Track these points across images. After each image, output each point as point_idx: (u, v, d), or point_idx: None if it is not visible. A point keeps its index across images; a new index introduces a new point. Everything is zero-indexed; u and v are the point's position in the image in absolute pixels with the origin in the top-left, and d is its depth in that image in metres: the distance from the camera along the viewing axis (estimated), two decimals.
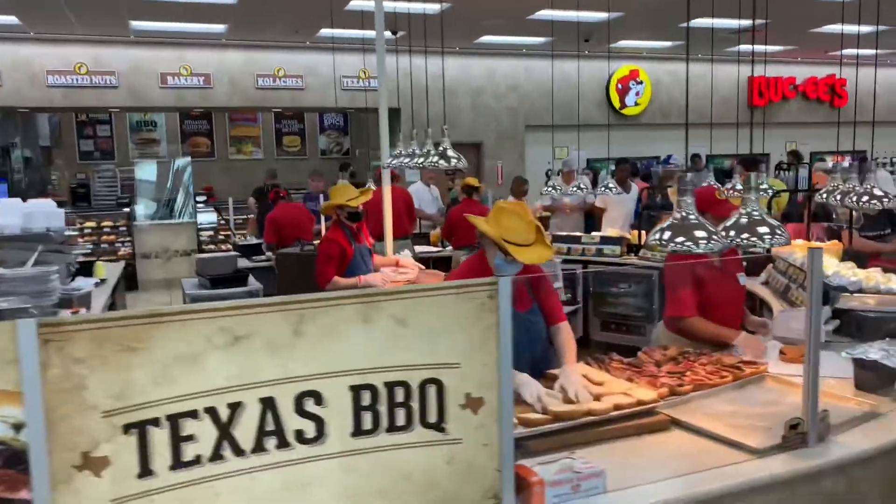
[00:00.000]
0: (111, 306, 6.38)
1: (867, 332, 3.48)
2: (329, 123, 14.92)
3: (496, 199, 9.80)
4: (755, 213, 2.67)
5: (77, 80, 10.67)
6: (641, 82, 14.36)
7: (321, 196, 7.86)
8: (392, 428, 1.74)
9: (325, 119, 14.83)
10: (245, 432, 1.61)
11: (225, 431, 1.58)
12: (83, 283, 5.74)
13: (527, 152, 14.00)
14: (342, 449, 1.70)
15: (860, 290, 3.96)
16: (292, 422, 1.64)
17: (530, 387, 2.51)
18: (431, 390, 1.77)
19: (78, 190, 13.16)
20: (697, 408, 2.65)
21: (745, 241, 2.63)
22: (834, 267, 4.46)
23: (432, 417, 1.78)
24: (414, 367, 1.75)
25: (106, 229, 11.23)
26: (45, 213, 6.00)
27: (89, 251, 7.49)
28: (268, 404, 1.62)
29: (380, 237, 7.64)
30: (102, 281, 6.20)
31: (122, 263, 7.92)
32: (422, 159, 4.64)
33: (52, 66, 10.56)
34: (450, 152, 4.59)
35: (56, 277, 4.62)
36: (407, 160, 4.99)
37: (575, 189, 7.90)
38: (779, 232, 2.65)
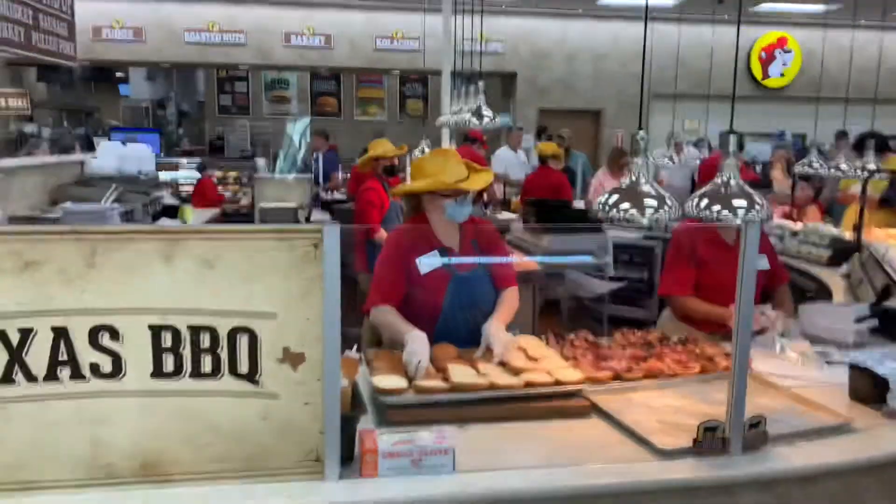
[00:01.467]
0: None
1: None
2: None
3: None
4: (732, 181, 2.29)
5: (210, 37, 11.37)
6: (790, 51, 13.00)
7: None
8: (197, 374, 1.67)
9: None
10: (37, 359, 1.60)
11: (16, 356, 1.59)
12: (161, 224, 6.12)
13: (651, 123, 13.19)
14: (140, 388, 1.65)
15: None
16: (87, 354, 1.62)
17: (414, 345, 2.34)
18: (243, 339, 1.68)
19: (216, 142, 14.13)
20: (637, 398, 2.35)
21: (714, 214, 2.27)
22: None
23: (243, 368, 1.69)
24: (222, 314, 1.66)
25: (229, 180, 11.98)
26: (138, 156, 6.45)
27: (181, 197, 7.96)
28: (61, 334, 1.60)
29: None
30: (184, 223, 6.60)
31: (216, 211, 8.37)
32: (459, 117, 4.46)
33: (189, 24, 11.30)
34: (483, 110, 4.37)
35: (115, 214, 4.95)
36: (452, 118, 4.81)
37: (674, 161, 7.36)
38: (758, 206, 2.26)
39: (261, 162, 12.15)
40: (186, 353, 1.66)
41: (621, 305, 5.76)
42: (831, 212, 6.72)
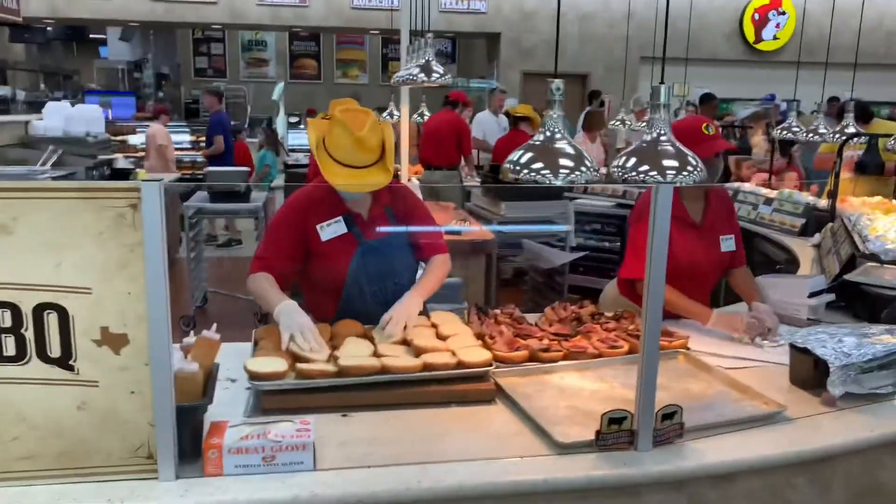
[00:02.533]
0: None
1: (874, 312, 2.69)
2: (436, 49, 14.42)
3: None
4: (664, 139, 2.02)
5: None
6: (784, 13, 12.58)
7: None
8: None
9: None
10: None
11: None
12: None
13: (641, 87, 12.81)
14: None
15: None
16: None
17: (291, 319, 2.07)
18: (52, 318, 1.42)
19: (191, 106, 13.74)
20: (553, 381, 2.11)
21: (639, 176, 2.00)
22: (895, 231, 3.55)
23: (55, 352, 1.44)
24: (25, 287, 1.40)
25: (202, 144, 11.64)
26: (86, 117, 6.13)
27: (134, 162, 7.65)
28: None
29: (427, 165, 7.25)
30: None
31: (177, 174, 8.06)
32: (407, 73, 4.14)
33: None
34: (433, 66, 4.05)
35: (46, 178, 4.67)
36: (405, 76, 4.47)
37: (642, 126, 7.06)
38: (690, 168, 2.00)
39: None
40: None
41: (589, 276, 5.52)
42: (809, 177, 6.45)
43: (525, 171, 1.98)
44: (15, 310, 1.41)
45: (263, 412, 1.87)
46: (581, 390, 2.06)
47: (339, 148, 2.25)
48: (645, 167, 2.01)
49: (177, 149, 11.48)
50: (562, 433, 1.75)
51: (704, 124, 2.66)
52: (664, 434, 1.72)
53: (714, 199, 2.76)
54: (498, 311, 2.55)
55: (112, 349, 1.45)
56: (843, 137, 4.45)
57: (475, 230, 4.30)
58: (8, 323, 1.41)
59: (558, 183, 1.97)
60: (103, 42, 16.64)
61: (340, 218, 2.39)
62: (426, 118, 7.34)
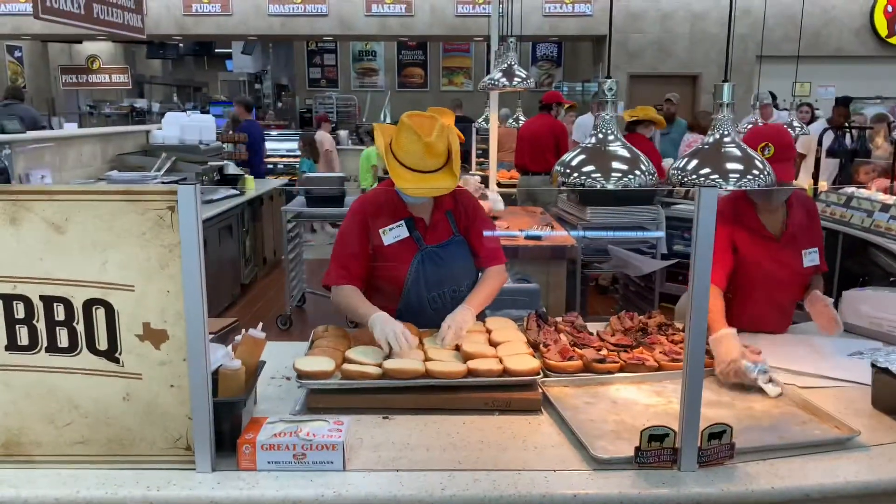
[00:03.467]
0: (253, 218, 6.86)
1: None
2: (542, 54, 14.33)
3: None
4: (728, 140, 1.91)
5: (293, 8, 11.46)
6: None
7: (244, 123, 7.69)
8: (53, 348, 1.53)
9: (537, 49, 14.27)
10: None
11: None
12: (218, 194, 6.18)
13: (758, 87, 12.13)
14: None
15: None
16: None
17: (383, 325, 2.10)
18: (99, 313, 1.52)
19: (305, 115, 14.35)
20: (606, 393, 2.03)
21: (698, 180, 1.90)
22: None
23: (102, 344, 1.53)
24: (76, 283, 1.51)
25: None
26: (199, 126, 6.54)
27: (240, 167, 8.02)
28: None
29: (524, 170, 7.19)
30: (241, 192, 6.63)
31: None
32: (490, 80, 4.13)
33: None
34: (516, 69, 4.02)
35: (155, 182, 5.00)
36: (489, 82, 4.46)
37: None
38: (757, 171, 1.87)
39: (343, 134, 12.23)
40: (41, 326, 1.52)
41: (686, 285, 5.27)
42: None
43: (575, 174, 1.92)
44: (67, 304, 1.52)
45: (310, 410, 1.91)
46: (634, 404, 1.97)
47: (407, 153, 2.26)
48: (706, 170, 1.91)
49: (291, 155, 12.07)
50: (601, 448, 1.68)
51: (763, 144, 2.40)
52: (711, 454, 1.61)
53: (796, 210, 2.55)
54: (559, 319, 2.49)
55: (153, 344, 1.54)
56: None
57: (555, 235, 4.21)
58: (62, 316, 1.52)
59: (609, 187, 1.90)
60: (229, 56, 17.71)
61: (402, 222, 2.41)
62: (521, 122, 7.29)
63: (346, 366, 1.96)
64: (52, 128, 9.84)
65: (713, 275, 2.55)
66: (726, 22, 11.57)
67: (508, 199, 5.99)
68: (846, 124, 6.31)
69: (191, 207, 1.46)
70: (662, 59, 11.88)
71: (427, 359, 2.04)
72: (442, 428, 1.81)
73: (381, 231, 2.40)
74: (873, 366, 1.93)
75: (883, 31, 11.72)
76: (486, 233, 2.53)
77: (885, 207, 4.62)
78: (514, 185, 7.05)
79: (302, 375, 1.93)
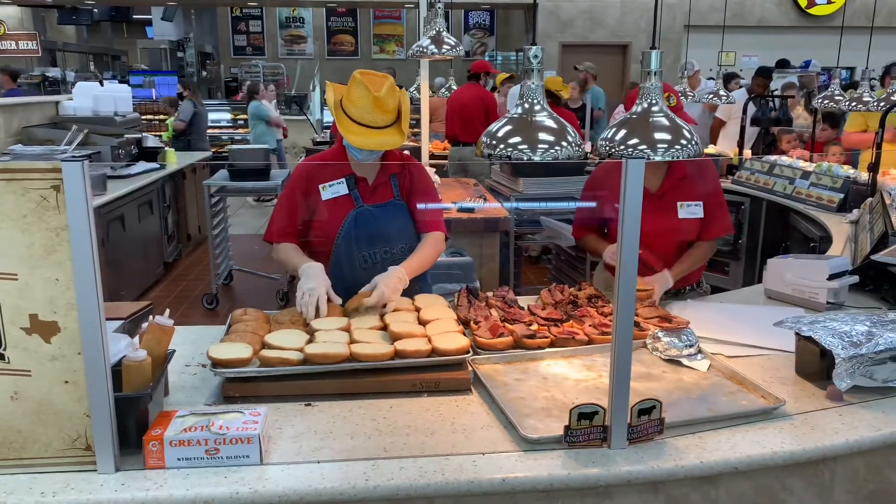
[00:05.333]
0: (175, 193, 6.56)
1: None
2: (474, 22, 14.18)
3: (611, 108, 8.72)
4: (656, 109, 1.86)
5: None
6: None
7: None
8: None
9: (469, 17, 14.11)
10: None
11: None
12: (135, 168, 5.88)
13: (686, 57, 12.32)
14: None
15: None
16: None
17: (309, 282, 2.12)
18: None
19: (231, 84, 13.84)
20: (537, 369, 1.99)
21: (627, 151, 1.85)
22: None
23: None
24: None
25: (240, 122, 11.72)
26: (114, 97, 6.17)
27: (161, 140, 7.67)
28: None
29: (455, 141, 7.10)
30: (162, 166, 6.32)
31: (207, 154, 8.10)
32: (418, 47, 4.00)
33: None
34: (445, 37, 3.90)
35: (65, 157, 4.69)
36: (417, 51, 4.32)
37: (692, 94, 6.78)
38: (685, 140, 1.84)
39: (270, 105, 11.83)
40: None
41: None
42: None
43: (501, 146, 1.85)
44: None
45: (226, 400, 1.80)
46: (565, 380, 1.93)
47: (357, 108, 2.25)
48: (634, 140, 1.86)
49: (214, 127, 11.62)
50: (531, 427, 1.64)
51: (667, 94, 2.45)
52: (641, 431, 1.59)
53: (679, 167, 2.64)
54: (490, 294, 2.44)
55: (42, 337, 1.39)
56: (885, 105, 4.14)
57: (489, 207, 4.16)
58: None
59: (536, 159, 1.83)
60: (149, 23, 16.85)
61: (343, 179, 2.39)
62: (452, 91, 7.18)
63: (265, 352, 1.85)
64: None
65: (585, 228, 2.81)
66: None
67: (440, 171, 5.91)
68: (766, 94, 6.45)
69: (78, 186, 1.32)
70: (593, 28, 11.91)
71: (352, 340, 1.95)
72: (367, 413, 1.74)
73: (320, 186, 2.38)
74: (797, 334, 1.94)
75: (803, 2, 12.04)
76: (429, 205, 2.49)
77: (806, 175, 4.75)
78: (445, 157, 6.96)
79: (217, 364, 1.81)
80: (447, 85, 7.48)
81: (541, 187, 4.53)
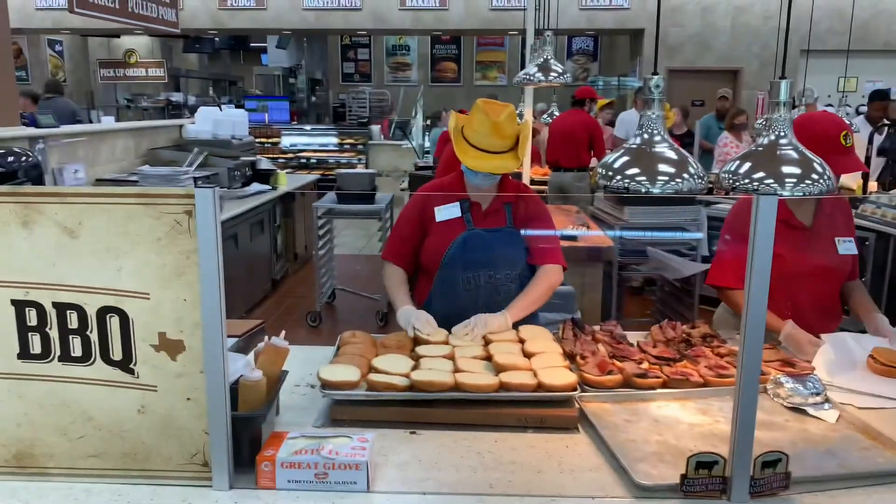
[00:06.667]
0: (285, 213, 6.83)
1: None
2: (578, 48, 14.10)
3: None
4: (784, 142, 1.77)
5: (327, 3, 11.43)
6: None
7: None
8: (66, 357, 1.47)
9: (573, 43, 14.05)
10: None
11: None
12: (250, 189, 6.16)
13: (802, 83, 11.75)
14: (9, 371, 1.47)
15: None
16: None
17: (409, 315, 2.21)
18: (114, 321, 1.45)
19: (338, 109, 14.33)
20: (648, 410, 1.91)
21: (751, 185, 1.76)
22: None
23: (116, 354, 1.46)
24: (89, 290, 1.44)
25: (346, 146, 12.11)
26: (232, 121, 6.51)
27: (273, 162, 7.99)
28: None
29: (556, 167, 7.04)
30: (274, 188, 6.58)
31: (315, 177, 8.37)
32: (524, 75, 4.00)
33: None
34: (552, 64, 3.89)
35: (188, 178, 4.98)
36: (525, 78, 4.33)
37: None
38: (816, 175, 1.73)
39: (375, 129, 12.18)
40: (54, 334, 1.46)
41: None
42: None
43: (618, 177, 1.80)
44: (81, 312, 1.45)
45: (333, 422, 1.83)
46: (678, 423, 1.84)
47: (476, 132, 2.32)
48: (760, 174, 1.77)
49: (323, 150, 12.06)
50: (644, 472, 1.56)
51: (844, 132, 2.30)
52: (764, 484, 1.48)
53: (826, 200, 2.47)
54: (597, 328, 2.37)
55: (169, 354, 1.46)
56: None
57: (592, 235, 4.07)
58: (75, 324, 1.45)
59: (655, 192, 1.78)
60: (264, 50, 17.78)
61: (458, 203, 2.44)
62: (555, 117, 7.14)
63: (372, 375, 1.87)
64: (90, 121, 9.97)
65: (730, 276, 2.49)
66: (769, 15, 11.23)
67: (541, 197, 5.86)
68: (885, 120, 6.02)
69: (209, 212, 1.38)
70: (701, 54, 11.59)
71: (456, 369, 1.94)
72: (472, 445, 1.71)
73: (436, 208, 2.44)
74: None
75: None
76: (545, 232, 2.49)
77: None
78: (544, 183, 6.90)
79: (326, 385, 1.84)
80: (549, 111, 7.44)
81: (646, 216, 4.41)
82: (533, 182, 6.40)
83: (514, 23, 11.56)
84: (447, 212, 2.44)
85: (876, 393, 2.02)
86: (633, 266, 4.64)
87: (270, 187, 6.54)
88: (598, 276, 4.09)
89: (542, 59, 3.92)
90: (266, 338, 1.85)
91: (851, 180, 5.94)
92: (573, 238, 4.07)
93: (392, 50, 14.39)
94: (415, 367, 1.94)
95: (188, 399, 1.48)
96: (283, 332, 1.77)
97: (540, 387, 1.85)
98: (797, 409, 1.90)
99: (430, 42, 14.17)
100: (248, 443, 1.56)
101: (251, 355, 1.81)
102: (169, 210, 1.40)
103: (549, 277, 2.47)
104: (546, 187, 6.86)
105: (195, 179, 5.07)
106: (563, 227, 4.36)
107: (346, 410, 1.83)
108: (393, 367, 1.92)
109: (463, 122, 2.40)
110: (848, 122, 5.62)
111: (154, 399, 1.48)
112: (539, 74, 3.87)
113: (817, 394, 1.91)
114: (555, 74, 3.86)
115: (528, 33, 5.34)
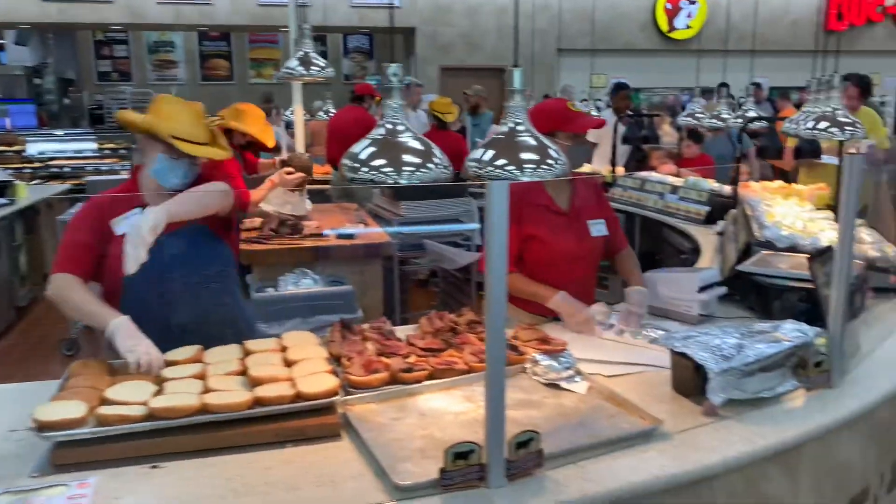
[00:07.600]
0: (28, 231, 6.02)
1: (766, 304, 2.56)
2: (353, 46, 14.07)
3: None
4: (521, 129, 1.80)
5: None
6: (695, 2, 12.74)
7: None
8: None
9: (349, 41, 14.00)
10: None
11: None
12: None
13: (558, 80, 12.76)
14: None
15: (793, 247, 2.97)
16: None
17: (135, 344, 1.90)
18: None
19: (95, 112, 12.99)
20: (416, 405, 1.87)
21: (494, 171, 1.77)
22: (792, 217, 3.47)
23: None
24: None
25: (107, 151, 11.02)
26: None
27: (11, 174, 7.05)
28: None
29: (336, 165, 6.92)
30: (11, 202, 5.76)
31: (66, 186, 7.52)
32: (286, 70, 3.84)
33: None
34: (312, 57, 3.77)
35: None
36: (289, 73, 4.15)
37: None
38: (551, 160, 1.78)
39: None
40: None
41: None
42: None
43: (364, 169, 1.73)
44: None
45: (58, 469, 1.56)
46: (444, 414, 1.82)
47: (179, 122, 2.16)
48: (501, 161, 1.79)
49: (79, 157, 10.87)
50: (406, 472, 1.51)
51: (568, 104, 2.55)
52: (520, 465, 1.50)
53: (580, 185, 2.67)
54: (366, 326, 2.30)
55: None
56: (741, 123, 4.37)
57: (369, 232, 4.03)
58: None
59: (403, 182, 1.73)
60: (2, 48, 15.64)
61: (138, 209, 2.13)
62: (331, 115, 7.03)
63: (102, 409, 1.63)
64: None
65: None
66: (529, 15, 12.01)
67: (323, 196, 5.71)
68: (628, 110, 6.69)
69: None
70: (471, 52, 12.11)
71: (207, 390, 1.75)
72: (222, 472, 1.55)
73: (111, 222, 2.13)
74: (671, 349, 1.93)
75: (664, 27, 12.78)
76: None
77: (675, 189, 4.94)
78: (327, 182, 6.78)
79: (44, 426, 1.57)
80: (324, 108, 7.31)
81: (422, 210, 4.46)
82: (314, 182, 6.23)
83: (284, 19, 11.18)
84: (128, 222, 2.10)
85: (619, 360, 2.16)
86: (412, 260, 4.68)
87: (7, 201, 5.72)
88: (377, 273, 4.05)
89: (302, 53, 3.78)
90: None
91: (600, 168, 6.50)
92: (350, 236, 3.99)
93: (154, 46, 13.30)
94: (158, 393, 1.73)
95: None
96: None
97: (298, 397, 1.73)
98: (553, 385, 1.97)
99: (196, 38, 13.32)
100: None
101: None
102: None
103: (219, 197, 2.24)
104: (328, 187, 6.73)
105: None
106: (340, 225, 4.27)
107: (71, 453, 1.58)
108: (130, 395, 1.70)
109: (163, 116, 2.16)
110: (596, 115, 6.14)
111: None
112: (300, 68, 3.73)
113: (569, 367, 2.00)
114: (317, 69, 3.74)
115: (290, 29, 5.17)
